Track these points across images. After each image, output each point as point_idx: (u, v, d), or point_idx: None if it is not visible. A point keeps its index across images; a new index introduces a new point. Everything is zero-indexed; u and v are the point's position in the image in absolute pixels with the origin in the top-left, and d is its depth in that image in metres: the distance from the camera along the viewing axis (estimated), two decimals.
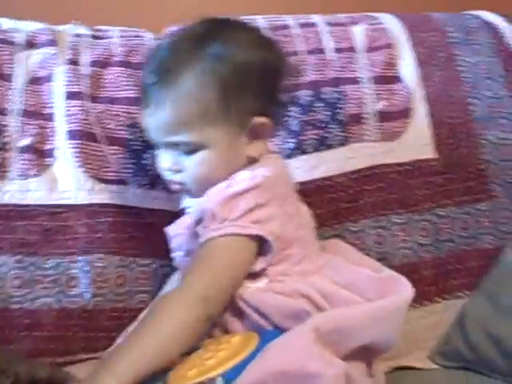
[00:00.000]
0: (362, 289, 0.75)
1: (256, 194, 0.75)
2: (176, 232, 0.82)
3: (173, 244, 0.83)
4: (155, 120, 0.78)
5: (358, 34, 1.09)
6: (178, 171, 0.79)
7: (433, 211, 1.00)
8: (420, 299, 0.97)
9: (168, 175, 0.81)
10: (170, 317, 0.68)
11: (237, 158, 0.80)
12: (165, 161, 0.80)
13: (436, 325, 0.98)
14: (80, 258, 0.91)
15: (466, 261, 1.00)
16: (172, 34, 0.90)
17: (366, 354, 0.74)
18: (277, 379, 0.64)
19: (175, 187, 0.82)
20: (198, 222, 0.76)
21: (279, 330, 0.71)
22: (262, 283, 0.76)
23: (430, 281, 0.99)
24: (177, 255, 0.82)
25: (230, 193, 0.74)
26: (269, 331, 0.72)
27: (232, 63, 0.76)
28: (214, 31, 0.79)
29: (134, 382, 0.63)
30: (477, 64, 1.07)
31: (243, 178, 0.76)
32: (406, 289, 0.75)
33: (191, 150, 0.77)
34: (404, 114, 1.03)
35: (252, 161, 0.80)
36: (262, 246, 0.75)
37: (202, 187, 0.79)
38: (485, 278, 0.99)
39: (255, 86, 0.78)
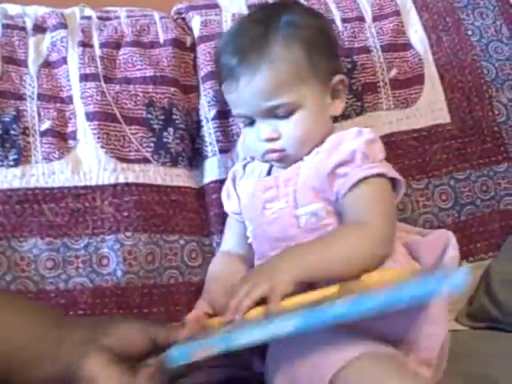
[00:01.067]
0: (417, 254, 0.93)
1: (380, 144, 0.95)
2: (272, 184, 0.97)
3: (265, 195, 0.97)
4: (251, 89, 0.93)
5: (364, 3, 1.25)
6: (277, 139, 0.95)
7: (451, 175, 1.18)
8: None
9: (265, 146, 0.96)
10: (352, 248, 0.85)
11: (325, 118, 0.99)
12: (263, 131, 0.95)
13: None
14: (109, 237, 1.07)
15: (487, 223, 1.18)
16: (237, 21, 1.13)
17: None
18: None
19: (273, 156, 0.96)
20: (339, 164, 0.90)
21: None
22: None
23: None
24: (274, 205, 0.96)
25: (367, 138, 0.92)
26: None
27: (307, 28, 0.97)
28: (277, 8, 1.02)
29: (307, 280, 0.81)
30: (484, 27, 1.26)
31: (367, 130, 0.94)
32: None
33: (289, 112, 0.94)
34: (416, 80, 1.21)
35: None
36: None
37: (301, 150, 0.96)
38: (508, 237, 1.13)
39: (329, 46, 1.00)
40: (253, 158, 1.08)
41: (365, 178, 0.89)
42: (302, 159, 0.96)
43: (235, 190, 1.06)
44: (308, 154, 0.96)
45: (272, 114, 0.94)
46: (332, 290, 0.80)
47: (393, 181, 0.92)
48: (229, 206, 1.06)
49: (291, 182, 0.96)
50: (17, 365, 0.71)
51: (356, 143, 0.91)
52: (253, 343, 0.72)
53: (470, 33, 1.25)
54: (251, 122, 0.97)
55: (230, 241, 1.06)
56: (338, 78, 0.98)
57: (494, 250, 1.16)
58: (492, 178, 1.18)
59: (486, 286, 1.11)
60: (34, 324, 0.74)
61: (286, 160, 0.97)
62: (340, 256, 0.84)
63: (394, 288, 0.71)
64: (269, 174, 1.03)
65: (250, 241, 1.01)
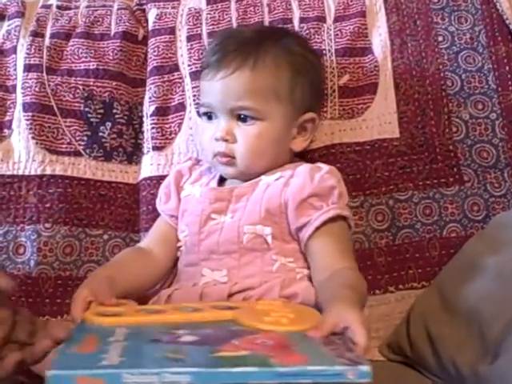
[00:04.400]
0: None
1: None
2: (225, 197, 0.95)
3: (214, 206, 0.95)
4: (225, 83, 0.93)
5: (330, 1, 1.15)
6: (230, 142, 0.94)
7: (391, 194, 1.06)
8: (371, 288, 1.03)
9: (218, 146, 0.95)
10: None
11: (284, 146, 0.97)
12: (220, 129, 0.94)
13: (388, 315, 1.05)
14: (28, 226, 1.08)
15: (425, 250, 1.06)
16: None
17: None
18: None
19: (222, 160, 0.95)
20: (315, 196, 0.91)
21: None
22: None
23: (384, 269, 1.06)
24: (220, 218, 0.94)
25: (340, 178, 0.94)
26: None
27: (301, 57, 0.98)
28: (281, 31, 1.07)
29: None
30: (458, 33, 1.12)
31: (334, 171, 0.95)
32: None
33: (252, 118, 0.93)
34: (368, 89, 1.10)
35: (292, 156, 1.00)
36: None
37: (249, 163, 0.95)
38: (443, 268, 1.02)
39: (314, 84, 0.99)
40: (197, 161, 1.05)
41: (337, 217, 0.90)
42: (259, 178, 0.95)
43: (178, 192, 1.02)
44: (264, 174, 0.95)
45: (235, 115, 0.93)
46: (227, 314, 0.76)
47: None
48: (165, 207, 1.02)
49: (244, 198, 0.94)
50: None
51: (334, 180, 0.92)
52: None
53: (440, 39, 1.11)
54: (212, 117, 0.96)
55: (151, 240, 1.02)
56: (309, 115, 0.97)
57: (428, 280, 1.03)
58: (438, 201, 1.05)
59: (407, 319, 1.01)
60: None
61: (233, 169, 0.96)
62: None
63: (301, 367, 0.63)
64: (219, 183, 1.00)
65: (180, 245, 0.98)
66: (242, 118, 0.93)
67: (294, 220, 0.90)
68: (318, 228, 0.89)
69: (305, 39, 1.09)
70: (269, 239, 0.91)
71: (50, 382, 0.57)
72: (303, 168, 0.94)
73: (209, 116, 0.97)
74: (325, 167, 0.94)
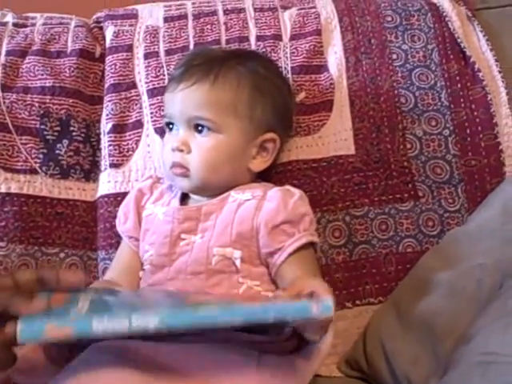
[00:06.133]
0: None
1: None
2: (193, 215, 0.94)
3: (183, 225, 0.94)
4: (188, 93, 0.95)
5: (286, 20, 1.14)
6: (185, 152, 0.94)
7: (347, 211, 1.06)
8: None
9: (174, 157, 0.95)
10: None
11: (240, 164, 0.97)
12: (175, 140, 0.95)
13: (346, 331, 1.05)
14: None
15: (382, 265, 1.06)
16: None
17: None
18: None
19: (177, 171, 0.95)
20: (287, 222, 0.90)
21: None
22: None
23: (341, 285, 1.05)
24: (190, 237, 0.93)
25: (307, 203, 0.94)
26: None
27: (266, 79, 0.99)
28: (254, 55, 1.07)
29: None
30: (412, 51, 1.12)
31: (304, 196, 0.95)
32: None
33: (208, 129, 0.94)
34: (324, 106, 1.11)
35: (253, 177, 0.99)
36: None
37: (202, 176, 0.94)
38: (399, 284, 1.02)
39: (278, 106, 0.99)
40: (158, 179, 1.04)
41: (312, 243, 0.92)
42: (227, 193, 0.94)
43: (138, 212, 1.01)
44: (232, 189, 0.94)
45: (192, 125, 0.94)
46: None
47: None
48: (124, 227, 1.01)
49: (213, 216, 0.93)
50: None
51: (306, 208, 0.93)
52: (115, 334, 0.62)
53: (394, 57, 1.12)
54: (172, 128, 0.97)
55: (115, 272, 1.00)
56: (270, 135, 0.97)
57: (385, 295, 1.03)
58: (394, 216, 1.06)
59: (364, 334, 1.01)
60: None
61: (188, 181, 0.95)
62: None
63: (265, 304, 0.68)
64: (181, 202, 0.99)
65: (145, 265, 0.96)
66: (199, 130, 0.94)
67: (265, 245, 0.91)
68: (290, 254, 0.89)
69: (274, 64, 1.09)
70: (237, 262, 0.90)
71: (20, 332, 0.58)
72: (275, 192, 0.94)
73: (170, 128, 0.97)
74: (296, 192, 0.94)
